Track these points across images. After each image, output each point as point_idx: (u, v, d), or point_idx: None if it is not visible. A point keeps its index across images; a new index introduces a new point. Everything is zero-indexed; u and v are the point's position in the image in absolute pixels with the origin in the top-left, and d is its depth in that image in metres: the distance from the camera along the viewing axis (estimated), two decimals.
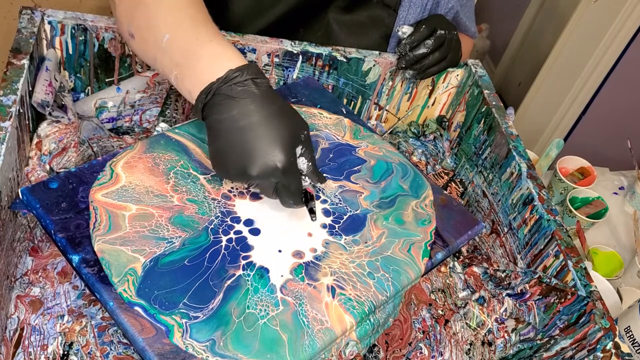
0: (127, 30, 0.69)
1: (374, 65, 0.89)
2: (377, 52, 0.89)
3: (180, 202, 0.63)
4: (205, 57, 0.62)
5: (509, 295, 0.73)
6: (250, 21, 0.91)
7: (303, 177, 0.64)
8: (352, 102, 0.93)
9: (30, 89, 0.71)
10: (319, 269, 0.61)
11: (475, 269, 0.77)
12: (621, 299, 1.06)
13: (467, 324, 0.71)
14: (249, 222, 0.64)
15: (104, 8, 1.35)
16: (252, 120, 0.60)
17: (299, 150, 0.63)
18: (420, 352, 0.67)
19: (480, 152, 0.88)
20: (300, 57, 0.86)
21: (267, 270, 0.60)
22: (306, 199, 0.64)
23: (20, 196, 0.61)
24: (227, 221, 0.63)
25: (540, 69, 2.23)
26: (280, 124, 0.61)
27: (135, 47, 0.70)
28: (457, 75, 0.94)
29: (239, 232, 0.62)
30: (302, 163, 0.63)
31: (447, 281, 0.75)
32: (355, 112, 0.94)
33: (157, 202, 0.63)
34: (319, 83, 0.87)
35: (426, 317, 0.70)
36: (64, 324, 0.60)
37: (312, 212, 0.64)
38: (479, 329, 0.71)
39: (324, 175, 0.68)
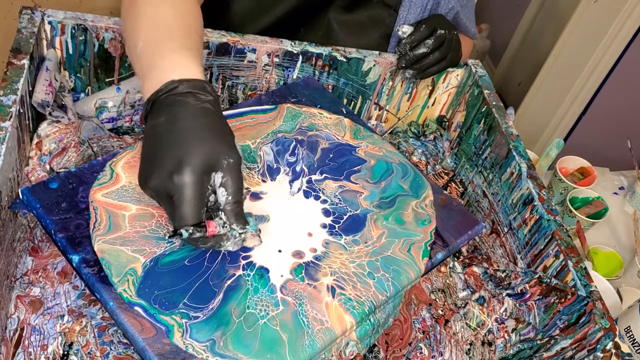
0: (124, 37, 0.69)
1: (374, 65, 0.89)
2: (377, 52, 0.89)
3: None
4: (161, 68, 0.60)
5: (509, 295, 0.73)
6: (251, 21, 0.91)
7: (219, 212, 0.57)
8: (352, 102, 0.93)
9: (30, 89, 0.71)
10: (319, 269, 0.61)
11: (475, 269, 0.77)
12: (621, 299, 1.06)
13: (467, 324, 0.71)
14: None
15: (104, 8, 1.35)
16: (171, 128, 0.56)
17: (218, 178, 0.56)
18: (420, 352, 0.67)
19: (480, 152, 0.88)
20: (300, 57, 0.86)
21: (267, 270, 0.60)
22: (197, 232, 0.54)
23: (20, 196, 0.61)
24: None
25: (540, 69, 2.23)
26: (199, 139, 0.55)
27: (127, 52, 0.70)
28: (457, 75, 0.94)
29: None
30: (222, 195, 0.56)
31: (447, 281, 0.75)
32: (355, 112, 0.94)
33: (157, 202, 0.62)
34: (319, 83, 0.87)
35: (426, 317, 0.70)
36: (64, 324, 0.60)
37: (176, 234, 0.54)
38: (479, 329, 0.71)
39: (246, 216, 0.59)
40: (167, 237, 0.56)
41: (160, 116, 0.57)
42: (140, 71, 0.63)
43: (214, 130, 0.57)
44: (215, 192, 0.57)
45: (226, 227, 0.57)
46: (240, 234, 0.58)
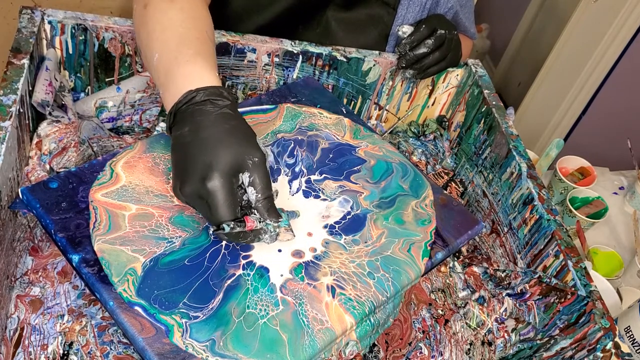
0: (138, 46, 0.71)
1: (374, 65, 0.89)
2: (377, 52, 0.89)
3: (180, 202, 0.63)
4: (178, 78, 0.63)
5: (509, 295, 0.73)
6: (248, 17, 0.91)
7: (252, 209, 0.60)
8: (352, 102, 0.93)
9: (30, 88, 0.71)
10: (318, 268, 0.61)
11: (475, 268, 0.77)
12: (621, 299, 1.06)
13: (467, 323, 0.71)
14: None
15: (104, 8, 1.35)
16: (196, 137, 0.59)
17: (246, 177, 0.59)
18: (420, 352, 0.67)
19: (480, 152, 0.88)
20: (300, 56, 0.86)
21: (267, 270, 0.60)
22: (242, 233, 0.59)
23: (20, 196, 0.61)
24: None
25: (540, 69, 2.23)
26: (223, 144, 0.58)
27: (144, 63, 0.72)
28: (457, 75, 0.94)
29: None
30: (251, 194, 0.59)
31: (447, 281, 0.75)
32: (355, 112, 0.94)
33: (157, 202, 0.63)
34: (319, 83, 0.87)
35: (426, 317, 0.70)
36: (64, 324, 0.60)
37: (219, 229, 0.58)
38: (479, 328, 0.71)
39: (283, 210, 0.62)
40: (211, 232, 0.59)
41: (184, 126, 0.60)
42: (159, 81, 0.66)
43: (235, 134, 0.60)
44: (246, 191, 0.60)
45: (262, 222, 0.60)
46: (274, 228, 0.60)
